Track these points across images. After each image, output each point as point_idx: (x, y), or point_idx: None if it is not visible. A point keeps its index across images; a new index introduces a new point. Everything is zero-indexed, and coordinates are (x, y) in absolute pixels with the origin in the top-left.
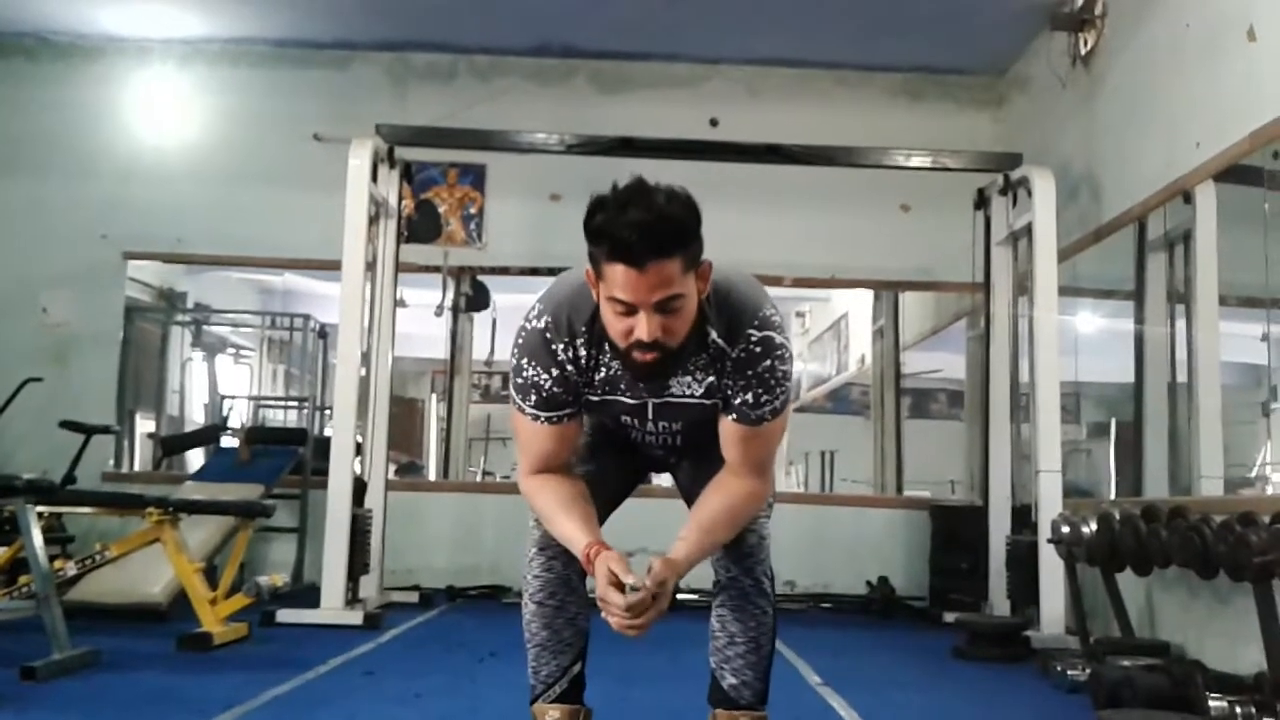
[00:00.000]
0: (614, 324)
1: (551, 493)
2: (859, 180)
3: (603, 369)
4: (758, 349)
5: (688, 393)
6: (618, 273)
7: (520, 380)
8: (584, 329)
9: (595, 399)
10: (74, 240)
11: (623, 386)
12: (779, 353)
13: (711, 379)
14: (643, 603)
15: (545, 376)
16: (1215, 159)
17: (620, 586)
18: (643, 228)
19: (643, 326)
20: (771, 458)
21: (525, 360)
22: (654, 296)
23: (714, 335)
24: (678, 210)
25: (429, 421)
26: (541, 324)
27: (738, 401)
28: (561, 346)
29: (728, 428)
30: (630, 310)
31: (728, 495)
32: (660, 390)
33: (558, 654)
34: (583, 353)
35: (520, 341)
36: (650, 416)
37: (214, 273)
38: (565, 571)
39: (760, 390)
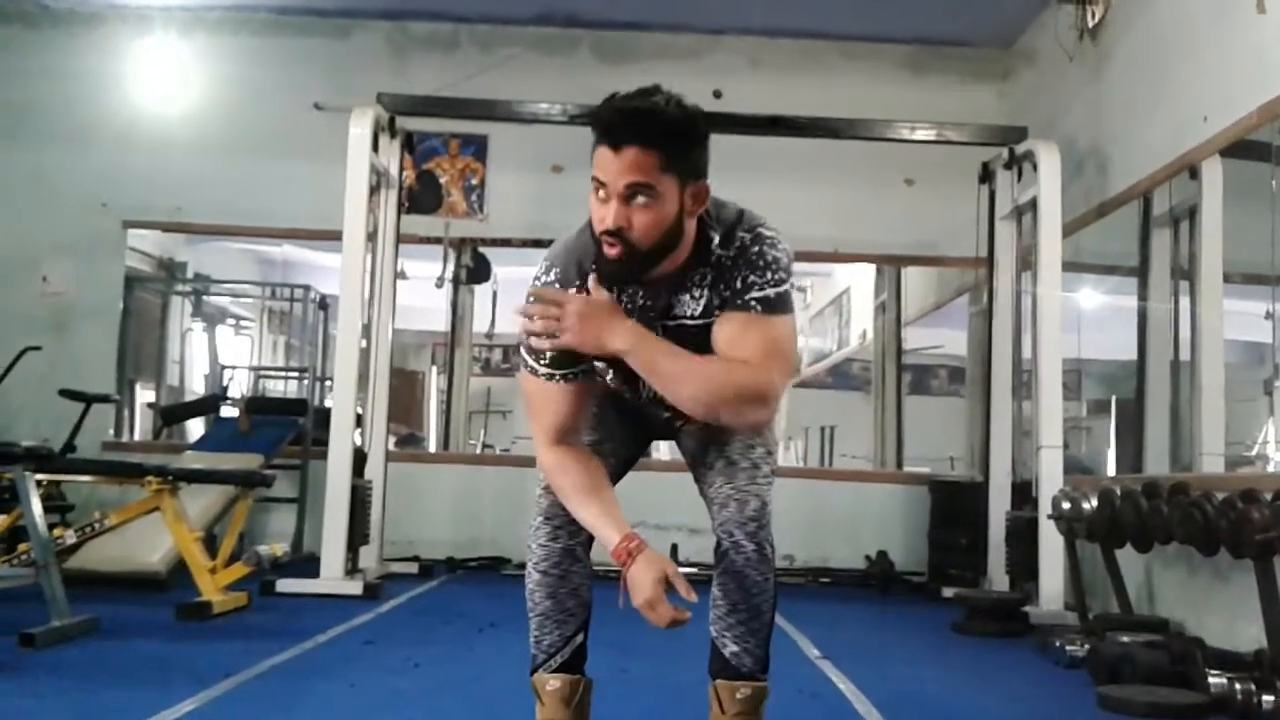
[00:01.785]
0: (593, 210)
1: (575, 477)
2: (862, 154)
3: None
4: (749, 238)
5: (689, 313)
6: (599, 154)
7: (531, 340)
8: (591, 269)
9: None
10: (74, 209)
11: (635, 320)
12: (769, 240)
13: (707, 294)
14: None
15: None
16: (1223, 134)
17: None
18: (627, 111)
19: (608, 212)
20: (772, 355)
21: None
22: (623, 180)
23: (715, 244)
24: (672, 110)
25: (429, 394)
26: (551, 276)
27: (728, 294)
28: (574, 292)
29: (718, 324)
30: (604, 195)
31: (713, 358)
32: (666, 312)
33: (561, 624)
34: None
35: (530, 299)
36: None
37: (214, 243)
38: (571, 542)
39: (748, 272)
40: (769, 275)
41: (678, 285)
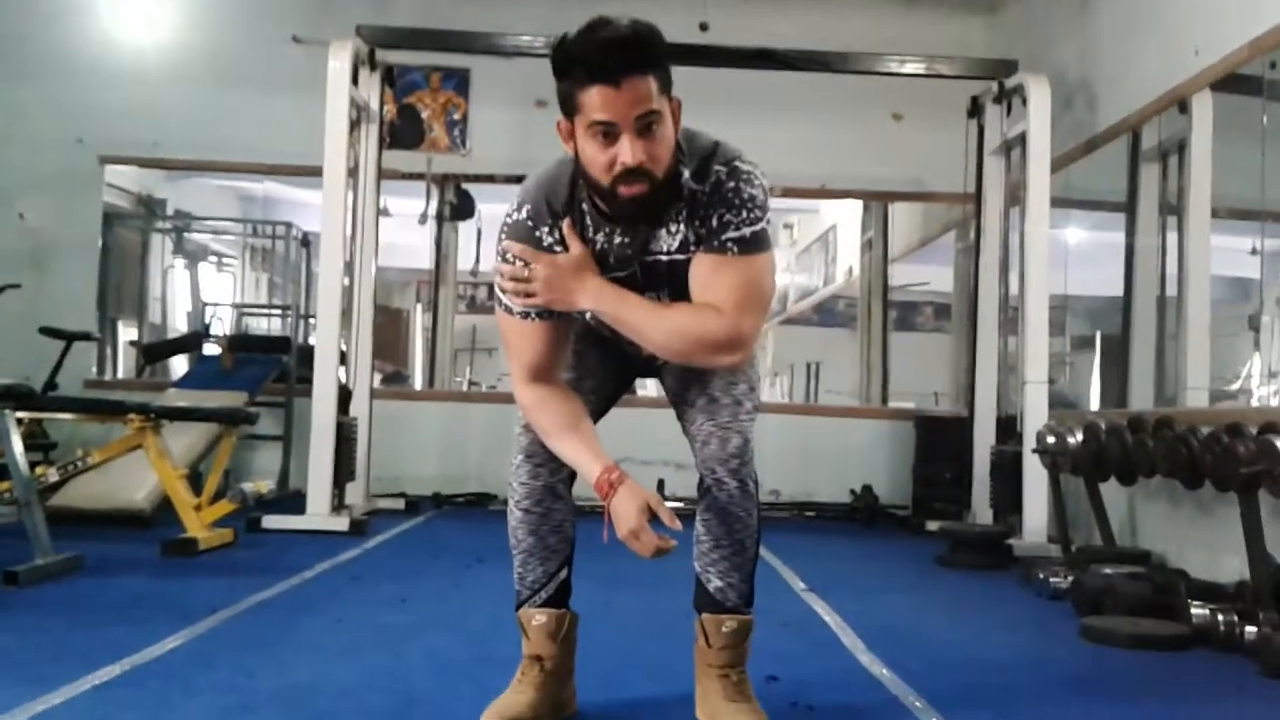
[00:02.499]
0: (596, 158)
1: (553, 413)
2: (850, 88)
3: (590, 246)
4: (724, 173)
5: (666, 248)
6: (594, 95)
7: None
8: (564, 207)
9: None
10: (49, 144)
11: (611, 260)
12: (745, 176)
13: (683, 229)
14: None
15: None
16: (1214, 67)
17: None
18: (613, 43)
19: (626, 150)
20: (744, 300)
21: (511, 255)
22: (633, 112)
23: (686, 176)
24: (644, 30)
25: (414, 332)
26: (523, 214)
27: (704, 232)
28: (545, 230)
29: (693, 265)
30: (611, 136)
31: (683, 306)
32: (645, 248)
33: (544, 560)
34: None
35: (504, 237)
36: (640, 287)
37: (193, 179)
38: (552, 479)
39: (723, 210)
40: (744, 214)
41: (654, 221)
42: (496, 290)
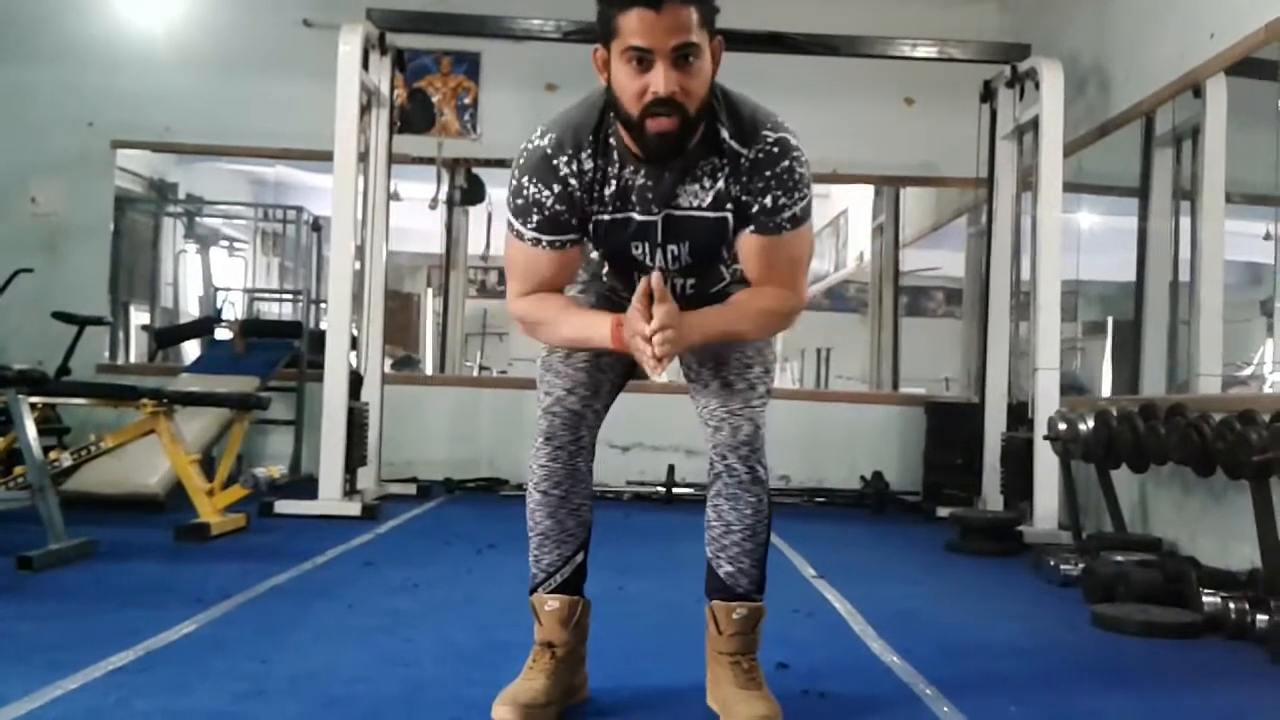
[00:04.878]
0: (628, 85)
1: (551, 304)
2: (862, 72)
3: (612, 182)
4: (775, 149)
5: (695, 203)
6: (633, 19)
7: (520, 201)
8: (590, 139)
9: (605, 218)
10: (61, 129)
11: (633, 199)
12: (796, 154)
13: (720, 186)
14: (670, 316)
15: (548, 193)
16: (1229, 51)
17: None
18: None
19: (659, 79)
20: (801, 274)
21: (526, 179)
22: (671, 40)
23: (725, 135)
24: None
25: (425, 316)
26: (545, 141)
27: (755, 210)
28: (565, 160)
29: (747, 242)
30: (646, 63)
31: (758, 292)
32: (670, 199)
33: (560, 544)
34: (588, 165)
35: (520, 161)
36: (660, 238)
37: (205, 163)
38: (572, 461)
39: (779, 193)
40: (798, 195)
41: (683, 171)
42: (508, 214)
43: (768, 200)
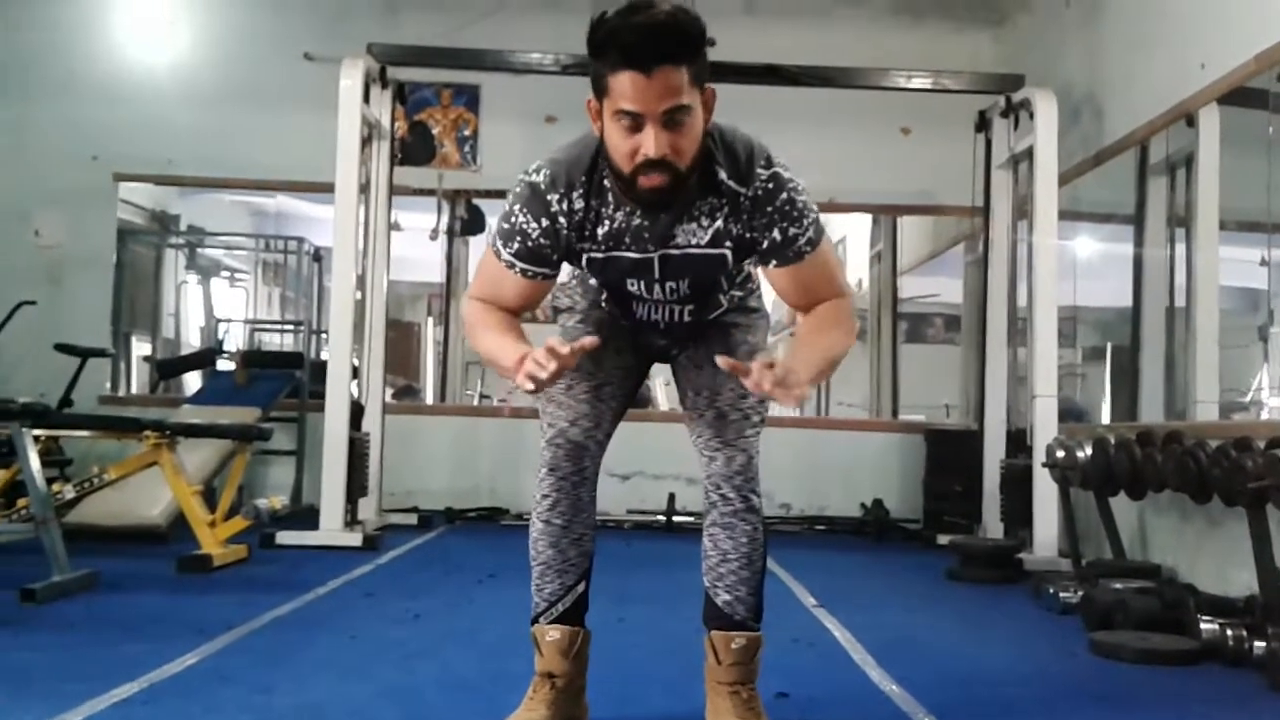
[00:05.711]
0: (620, 145)
1: (494, 319)
2: (858, 102)
3: (605, 222)
4: (770, 184)
5: (694, 241)
6: (624, 81)
7: (507, 225)
8: (583, 179)
9: (600, 255)
10: (64, 162)
11: (628, 240)
12: (791, 185)
13: (719, 224)
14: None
15: (534, 226)
16: (1220, 81)
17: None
18: (651, 29)
19: (650, 141)
20: (838, 279)
21: (517, 207)
22: (662, 105)
23: (723, 175)
24: (684, 18)
25: (425, 345)
26: (539, 176)
27: (767, 245)
28: (556, 198)
29: (777, 278)
30: (636, 124)
31: (817, 313)
32: (666, 239)
33: (562, 574)
34: (579, 205)
35: (516, 190)
36: (657, 275)
37: (206, 195)
38: (575, 491)
39: (785, 224)
40: (804, 222)
41: (681, 211)
42: (493, 233)
43: (776, 234)
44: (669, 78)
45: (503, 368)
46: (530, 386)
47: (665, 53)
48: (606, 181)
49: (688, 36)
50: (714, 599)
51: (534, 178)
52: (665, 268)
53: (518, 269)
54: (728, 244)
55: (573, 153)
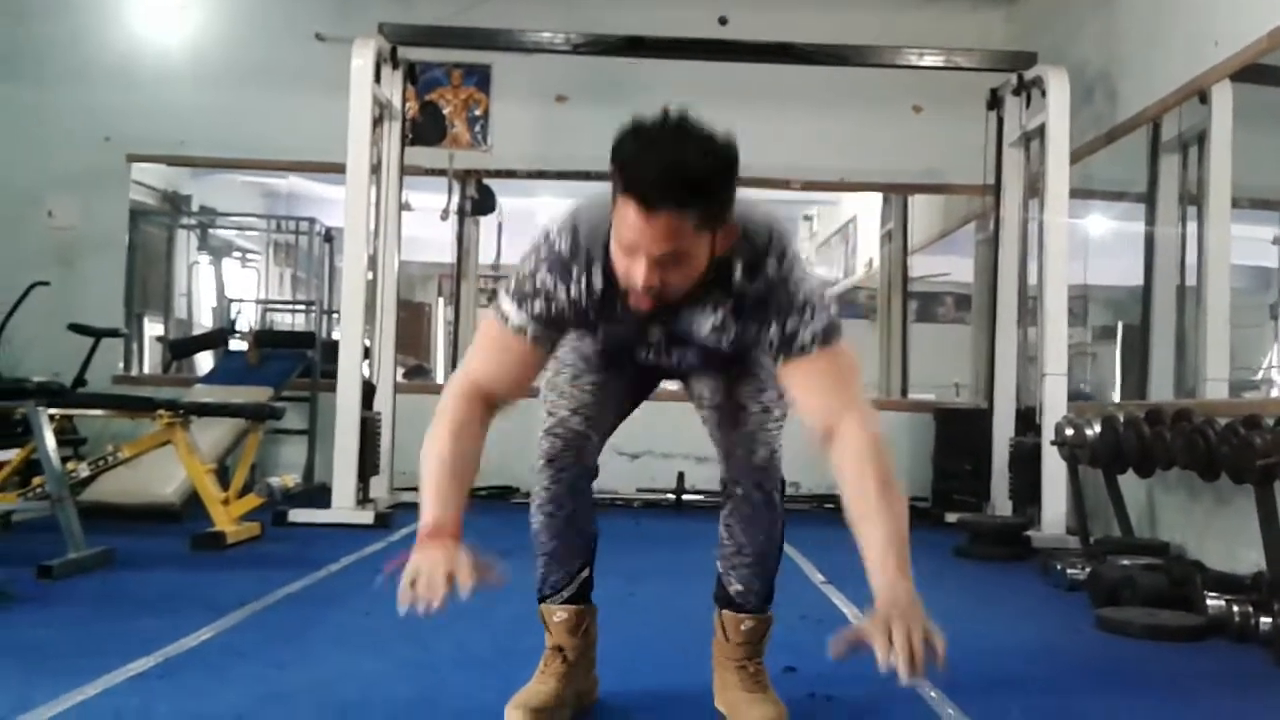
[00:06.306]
0: (617, 258)
1: (453, 439)
2: (870, 81)
3: (615, 303)
4: (776, 278)
5: (695, 329)
6: (629, 210)
7: (528, 286)
8: (602, 253)
9: (607, 326)
10: (77, 143)
11: (633, 316)
12: (797, 278)
13: (721, 317)
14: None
15: (561, 291)
16: (1233, 58)
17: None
18: (662, 172)
19: (640, 273)
20: (857, 391)
21: (545, 270)
22: (656, 248)
23: (737, 274)
24: (706, 164)
25: (436, 326)
26: (563, 243)
27: (769, 341)
28: (577, 270)
29: (786, 375)
30: (633, 249)
31: (855, 461)
32: (670, 322)
33: (566, 562)
34: (598, 284)
35: (541, 253)
36: (664, 349)
37: (218, 176)
38: (575, 483)
39: (785, 318)
40: (809, 312)
41: (690, 305)
42: (504, 293)
43: (775, 329)
44: (670, 222)
45: (422, 514)
46: (405, 603)
47: (670, 198)
48: None
49: (701, 185)
50: (726, 585)
51: (560, 244)
52: (670, 343)
53: (529, 333)
54: (726, 340)
55: (594, 220)
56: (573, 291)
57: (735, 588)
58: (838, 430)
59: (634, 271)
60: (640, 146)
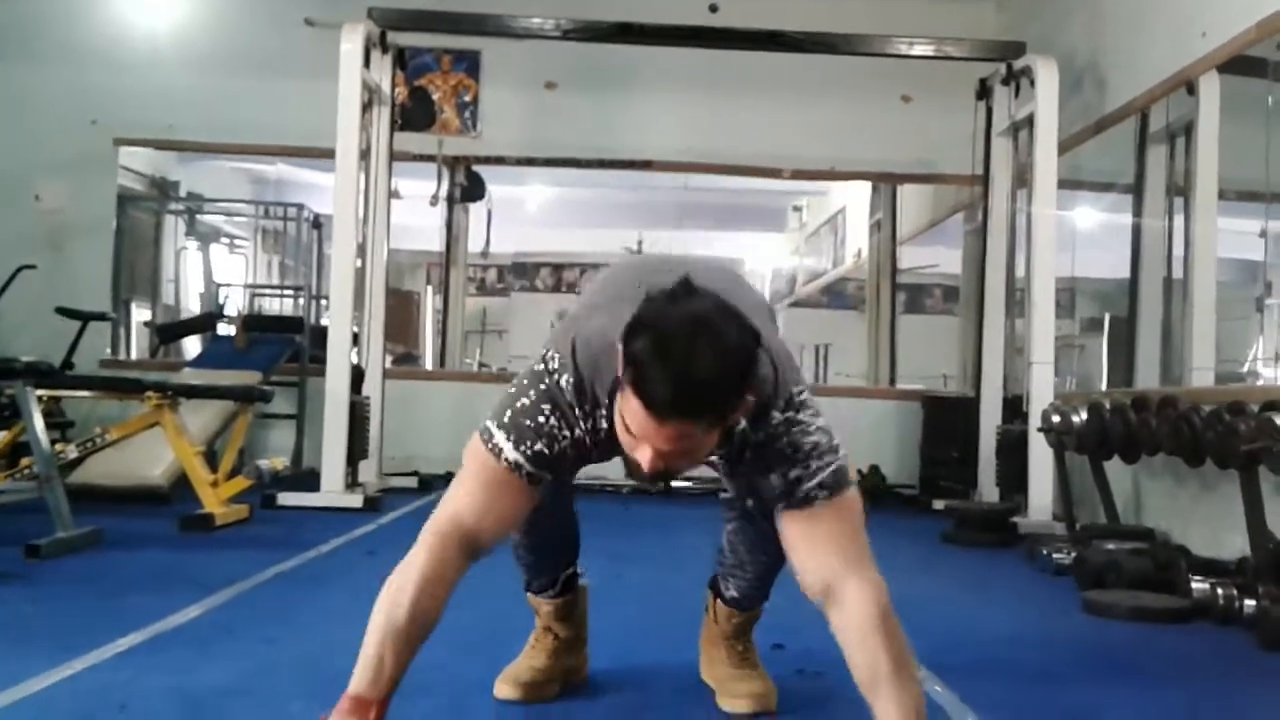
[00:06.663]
0: (624, 435)
1: (416, 595)
2: (860, 70)
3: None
4: (779, 428)
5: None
6: (637, 408)
7: (527, 423)
8: (607, 400)
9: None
10: (64, 127)
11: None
12: (800, 427)
13: (720, 461)
14: None
15: (565, 434)
16: (1221, 49)
17: None
18: (673, 388)
19: (646, 459)
20: (854, 545)
21: (548, 409)
22: (664, 445)
23: (743, 425)
24: (719, 379)
25: (425, 314)
26: (567, 383)
27: (767, 492)
28: (582, 414)
29: (786, 523)
30: (640, 438)
31: (861, 635)
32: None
33: (549, 570)
34: (603, 426)
35: (542, 388)
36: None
37: (206, 162)
38: (552, 501)
39: (786, 468)
40: (814, 464)
41: None
42: (495, 428)
43: (775, 480)
44: (679, 429)
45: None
46: None
47: (684, 412)
48: None
49: (712, 402)
50: (722, 587)
51: (561, 383)
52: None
53: (525, 473)
54: (725, 477)
55: (598, 364)
56: (577, 433)
57: (731, 594)
58: (839, 594)
59: (640, 452)
60: (654, 351)
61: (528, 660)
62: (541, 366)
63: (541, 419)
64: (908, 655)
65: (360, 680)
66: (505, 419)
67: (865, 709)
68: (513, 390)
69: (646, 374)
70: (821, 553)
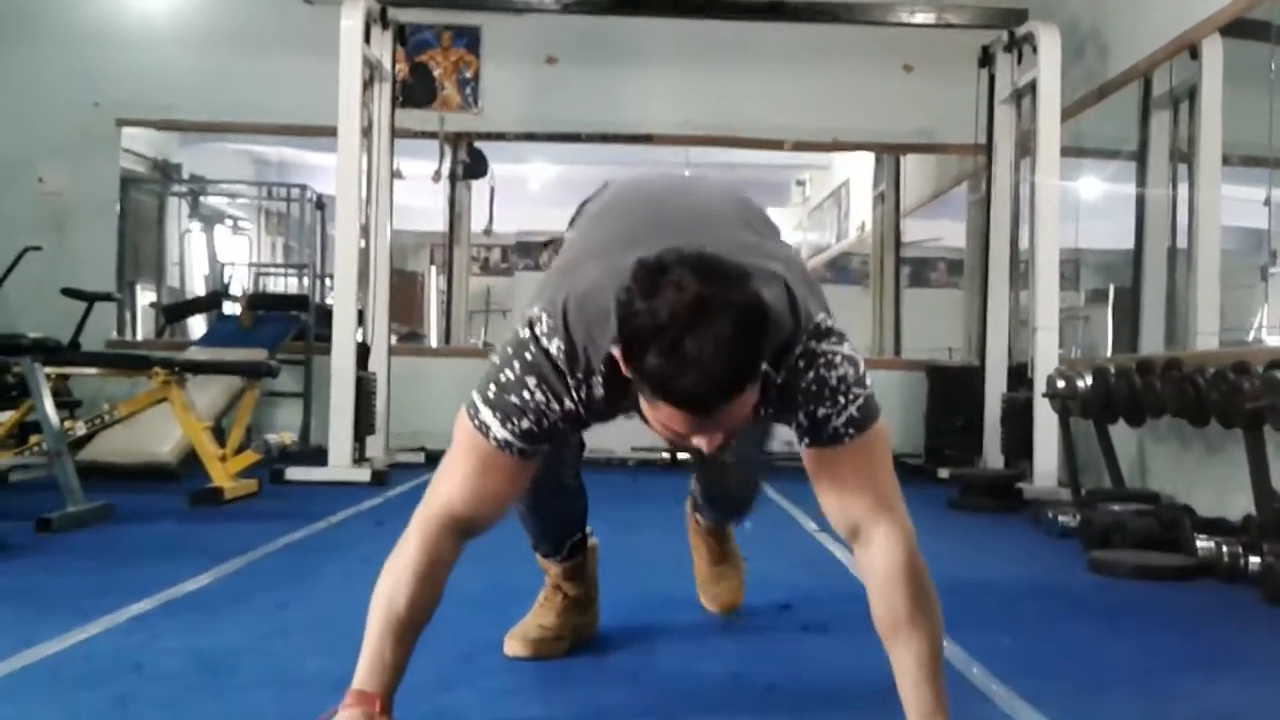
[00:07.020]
0: (662, 432)
1: (413, 583)
2: (861, 39)
3: (623, 402)
4: (801, 364)
5: None
6: (675, 413)
7: (513, 399)
8: (602, 367)
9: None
10: (66, 108)
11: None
12: (823, 360)
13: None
14: None
15: (555, 407)
16: (1223, 11)
17: None
18: (709, 383)
19: (705, 444)
20: (881, 483)
21: (533, 380)
22: (719, 430)
23: (765, 364)
24: (744, 348)
25: (429, 294)
26: (557, 349)
27: (799, 427)
28: (575, 381)
29: (812, 461)
30: (683, 436)
31: (884, 578)
32: None
33: (554, 538)
34: (599, 392)
35: (527, 356)
36: None
37: (209, 144)
38: (556, 469)
39: (814, 406)
40: (840, 399)
41: None
42: (480, 403)
43: (803, 417)
44: (729, 409)
45: (356, 671)
46: None
47: (724, 397)
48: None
49: (748, 368)
50: (699, 511)
51: (549, 348)
52: None
53: (516, 449)
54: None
55: (591, 327)
56: (567, 404)
57: (706, 522)
58: (866, 536)
59: (697, 441)
60: (669, 360)
61: (536, 618)
62: (527, 333)
63: (527, 394)
64: (929, 602)
65: (363, 674)
66: (490, 394)
67: (869, 666)
68: (497, 360)
69: (672, 385)
70: (850, 493)
